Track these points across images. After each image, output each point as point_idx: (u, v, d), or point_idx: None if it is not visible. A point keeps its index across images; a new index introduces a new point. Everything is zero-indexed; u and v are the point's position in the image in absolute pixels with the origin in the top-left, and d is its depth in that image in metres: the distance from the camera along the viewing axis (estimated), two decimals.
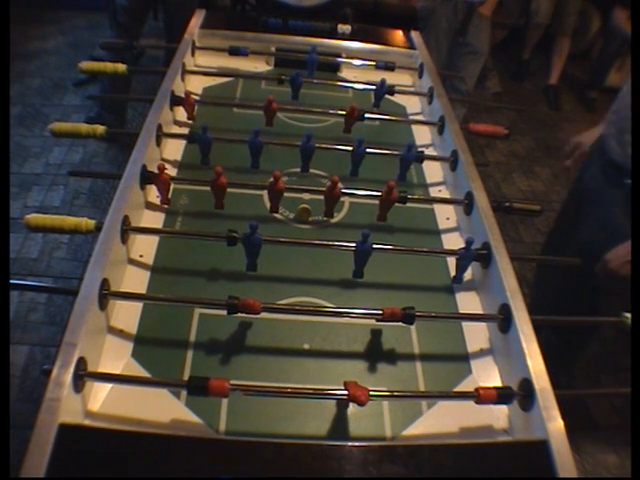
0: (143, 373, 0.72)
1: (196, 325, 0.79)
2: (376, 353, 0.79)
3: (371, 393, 0.64)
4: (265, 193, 0.98)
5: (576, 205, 1.55)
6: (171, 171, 1.03)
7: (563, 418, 0.64)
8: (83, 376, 0.63)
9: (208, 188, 0.92)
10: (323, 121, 1.24)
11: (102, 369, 0.70)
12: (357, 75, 1.45)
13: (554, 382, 0.67)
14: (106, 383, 0.69)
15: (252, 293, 0.76)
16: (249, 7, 2.81)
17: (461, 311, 0.87)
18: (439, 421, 0.71)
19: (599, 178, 1.42)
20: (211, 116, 1.19)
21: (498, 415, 0.72)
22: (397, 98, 1.36)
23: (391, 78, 1.33)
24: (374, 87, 1.25)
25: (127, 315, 0.78)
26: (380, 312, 0.75)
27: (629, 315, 0.78)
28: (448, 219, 1.04)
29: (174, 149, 1.10)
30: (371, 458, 0.60)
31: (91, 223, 0.83)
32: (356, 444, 0.61)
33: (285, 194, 0.92)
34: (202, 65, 1.39)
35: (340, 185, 0.91)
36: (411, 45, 1.52)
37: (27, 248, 2.11)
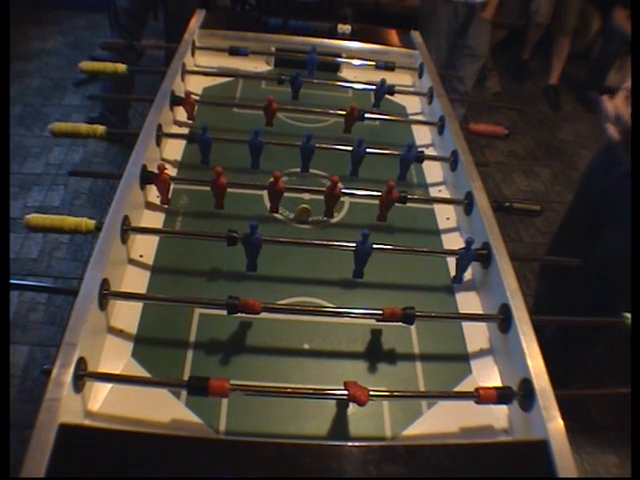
0: (143, 373, 0.72)
1: (196, 325, 0.79)
2: (376, 353, 0.79)
3: (371, 393, 0.64)
4: (265, 193, 0.98)
5: (591, 216, 1.45)
6: (171, 171, 1.03)
7: (563, 418, 0.64)
8: (83, 376, 0.63)
9: (208, 188, 0.92)
10: (323, 121, 1.24)
11: (102, 369, 0.70)
12: (357, 75, 1.45)
13: (568, 387, 0.66)
14: (106, 383, 0.69)
15: (252, 293, 0.76)
16: (249, 7, 2.81)
17: (461, 311, 0.87)
18: (439, 421, 0.71)
19: (622, 193, 1.30)
20: (211, 116, 1.19)
21: (498, 415, 0.72)
22: (397, 98, 1.36)
23: (391, 78, 1.33)
24: (374, 87, 1.25)
25: (127, 315, 0.78)
26: (380, 312, 0.74)
27: (629, 315, 0.78)
28: (448, 219, 1.04)
29: (174, 149, 1.10)
30: (371, 458, 0.59)
31: (91, 223, 0.83)
32: (356, 444, 0.61)
33: (285, 194, 0.92)
34: (202, 65, 1.39)
35: (340, 185, 0.91)
36: (411, 45, 1.51)
37: (27, 248, 2.11)
